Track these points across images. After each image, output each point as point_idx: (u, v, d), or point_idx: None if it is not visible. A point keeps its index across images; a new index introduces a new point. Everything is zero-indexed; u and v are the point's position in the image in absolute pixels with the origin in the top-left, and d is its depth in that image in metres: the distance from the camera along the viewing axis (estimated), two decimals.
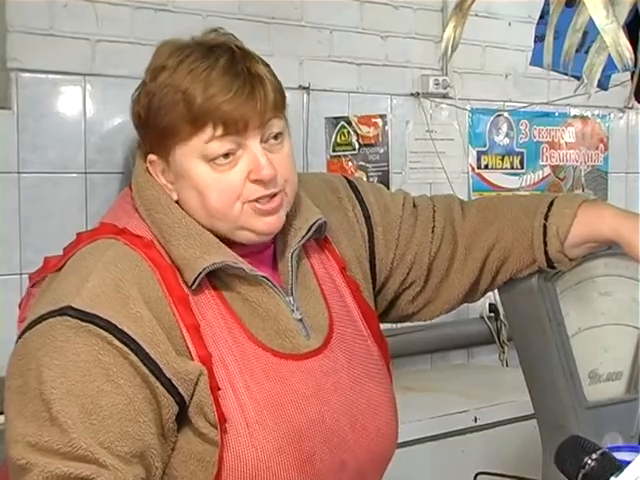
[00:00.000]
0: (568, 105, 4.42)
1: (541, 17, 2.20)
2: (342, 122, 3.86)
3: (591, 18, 1.46)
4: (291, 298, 1.72)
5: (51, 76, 3.17)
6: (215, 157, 1.62)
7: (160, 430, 1.58)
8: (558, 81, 4.15)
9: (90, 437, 1.51)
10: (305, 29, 3.73)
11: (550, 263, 1.88)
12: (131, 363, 1.55)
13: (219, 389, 1.61)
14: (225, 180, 1.64)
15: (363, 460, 1.73)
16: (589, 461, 1.55)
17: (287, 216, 1.72)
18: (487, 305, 4.11)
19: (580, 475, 1.54)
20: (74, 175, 3.17)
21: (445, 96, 4.12)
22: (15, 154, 3.09)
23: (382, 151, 3.97)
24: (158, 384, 1.57)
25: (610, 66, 1.55)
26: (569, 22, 1.63)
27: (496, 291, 2.01)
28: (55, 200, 3.12)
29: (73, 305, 1.56)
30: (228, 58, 1.64)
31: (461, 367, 4.12)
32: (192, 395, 1.61)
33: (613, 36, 1.44)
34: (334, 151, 3.84)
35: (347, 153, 3.87)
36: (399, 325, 3.96)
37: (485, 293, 2.01)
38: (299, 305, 1.72)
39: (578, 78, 1.65)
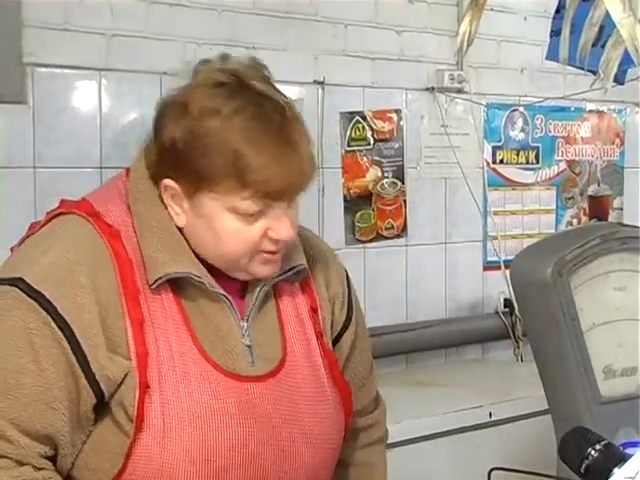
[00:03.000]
0: (584, 100, 4.41)
1: (557, 11, 2.20)
2: (357, 117, 3.85)
3: (607, 12, 1.45)
4: (245, 324, 1.73)
5: (66, 71, 3.17)
6: (243, 211, 1.65)
7: (75, 419, 1.62)
8: (574, 75, 4.13)
9: (3, 412, 1.58)
10: (320, 24, 3.72)
11: None
12: (61, 349, 1.60)
13: (147, 387, 1.63)
14: (246, 233, 1.67)
15: None
16: (592, 452, 1.54)
17: None
18: (502, 300, 4.11)
19: (583, 466, 1.54)
20: (89, 170, 3.17)
21: (460, 91, 4.11)
22: (31, 149, 3.09)
23: (397, 146, 3.96)
24: (82, 376, 1.61)
25: (626, 60, 1.54)
26: (585, 16, 1.62)
27: (511, 286, 2.00)
28: (70, 195, 3.09)
29: (24, 278, 1.63)
30: (280, 122, 1.65)
31: (476, 362, 4.10)
32: (115, 392, 1.63)
33: (630, 30, 1.43)
34: (349, 146, 3.83)
35: (362, 148, 3.86)
36: (413, 320, 3.97)
37: None
38: (251, 333, 1.73)
39: (594, 73, 1.65)
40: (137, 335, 1.64)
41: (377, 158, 3.90)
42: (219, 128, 1.63)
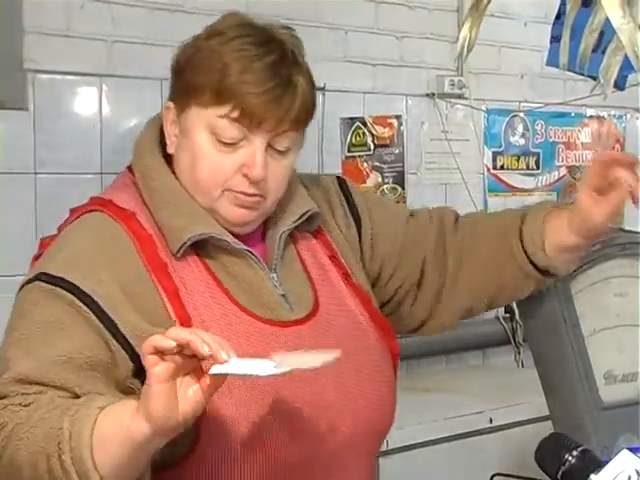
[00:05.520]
0: (584, 105, 4.41)
1: (557, 17, 2.20)
2: (357, 122, 3.85)
3: (607, 18, 1.46)
4: (274, 275, 1.74)
5: (67, 77, 3.17)
6: (220, 135, 1.66)
7: (114, 387, 1.60)
8: (574, 81, 4.13)
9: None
10: (320, 30, 3.73)
11: (543, 273, 1.87)
12: (89, 322, 1.60)
13: None
14: (220, 160, 1.68)
15: (349, 430, 1.73)
16: (569, 458, 1.54)
17: (282, 204, 1.76)
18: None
19: (560, 472, 1.54)
20: (90, 176, 3.17)
21: (461, 96, 4.11)
22: (32, 154, 3.10)
23: (397, 152, 3.96)
24: (113, 340, 1.61)
25: (627, 66, 1.54)
26: (585, 22, 1.63)
27: None
28: (71, 201, 3.08)
29: (46, 271, 1.64)
30: (277, 57, 1.68)
31: (477, 368, 4.12)
32: None
33: (630, 36, 1.43)
34: (349, 152, 3.83)
35: (362, 154, 3.86)
36: None
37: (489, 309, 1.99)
38: (282, 282, 1.75)
39: (594, 78, 1.65)
40: (175, 304, 1.65)
41: (377, 164, 3.90)
42: (217, 45, 1.69)
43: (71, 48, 3.15)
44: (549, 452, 1.58)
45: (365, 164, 3.87)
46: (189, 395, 1.43)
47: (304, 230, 1.83)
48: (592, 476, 1.45)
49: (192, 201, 1.71)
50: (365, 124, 3.87)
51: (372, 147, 3.89)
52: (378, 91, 3.91)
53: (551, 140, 4.44)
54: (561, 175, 4.48)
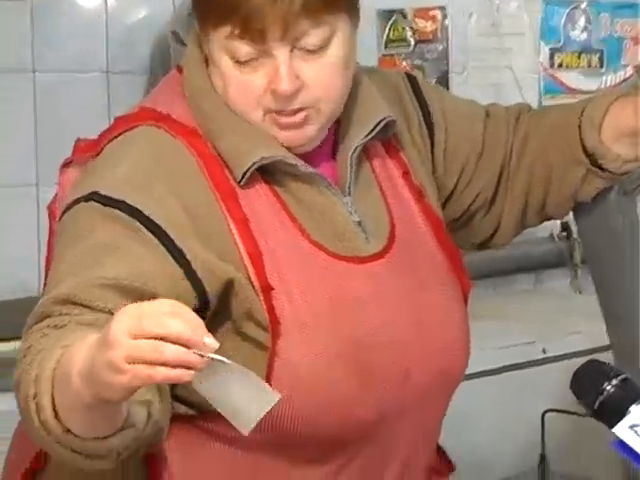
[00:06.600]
0: None
1: None
2: (396, 15, 3.83)
3: None
4: (349, 199, 1.74)
5: None
6: (236, 56, 1.65)
7: None
8: None
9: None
10: None
11: (593, 160, 1.87)
12: (151, 248, 1.60)
13: (271, 288, 1.64)
14: (245, 81, 1.67)
15: (428, 375, 1.76)
16: (608, 387, 1.55)
17: (350, 111, 1.75)
18: (558, 223, 4.09)
19: (597, 402, 1.55)
20: (95, 74, 3.16)
21: None
22: (29, 50, 3.09)
23: (441, 48, 3.93)
24: (180, 272, 1.60)
25: None
26: None
27: None
28: (73, 103, 3.13)
29: (99, 191, 1.63)
30: None
31: (528, 293, 4.11)
32: (230, 301, 1.64)
33: None
34: (386, 48, 3.81)
35: (401, 51, 3.84)
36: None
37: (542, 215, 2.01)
38: (357, 207, 1.74)
39: None
40: (245, 236, 1.65)
41: (418, 62, 3.88)
42: None
43: None
44: (586, 381, 1.59)
45: (404, 62, 3.84)
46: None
47: (377, 140, 1.81)
48: (632, 407, 1.47)
49: (249, 124, 1.70)
50: (405, 17, 3.84)
51: (412, 43, 3.86)
52: None
53: (617, 35, 4.39)
54: (627, 75, 4.44)
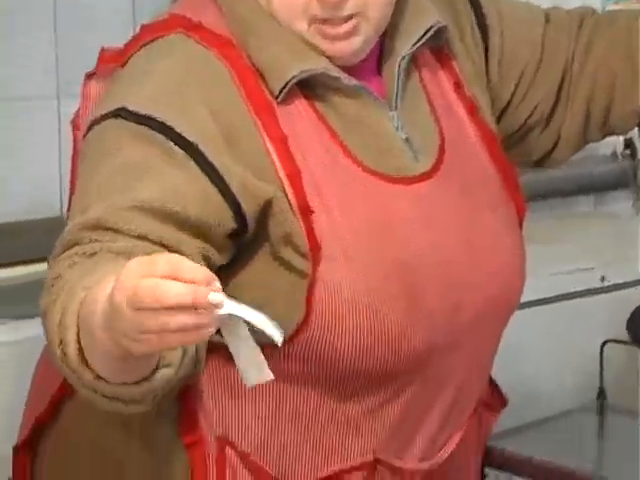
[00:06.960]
0: None
1: None
2: None
3: None
4: (395, 114, 1.72)
5: None
6: None
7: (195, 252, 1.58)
8: None
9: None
10: None
11: None
12: (184, 169, 1.59)
13: (311, 211, 1.63)
14: None
15: (481, 304, 1.75)
16: None
17: (397, 21, 1.73)
18: (622, 140, 4.03)
19: None
20: None
21: None
22: None
23: None
24: (217, 192, 1.60)
25: None
26: None
27: None
28: (96, 10, 3.10)
29: (127, 106, 1.62)
30: None
31: (587, 215, 4.08)
32: (267, 224, 1.64)
33: None
34: None
35: None
36: None
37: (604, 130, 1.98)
38: (404, 123, 1.73)
39: None
40: (282, 154, 1.64)
41: None
42: None
43: None
44: None
45: None
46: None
47: (427, 48, 1.79)
48: None
49: (289, 33, 1.68)
50: None
51: None
52: None
53: None
54: None
